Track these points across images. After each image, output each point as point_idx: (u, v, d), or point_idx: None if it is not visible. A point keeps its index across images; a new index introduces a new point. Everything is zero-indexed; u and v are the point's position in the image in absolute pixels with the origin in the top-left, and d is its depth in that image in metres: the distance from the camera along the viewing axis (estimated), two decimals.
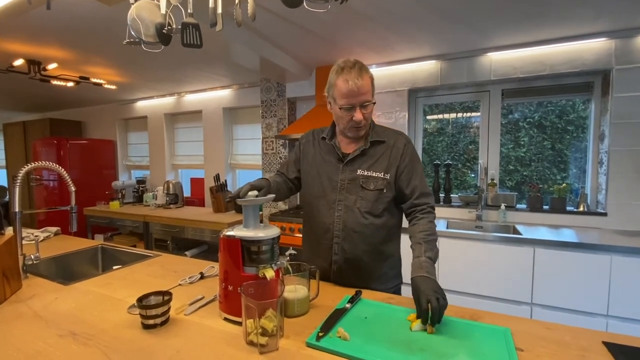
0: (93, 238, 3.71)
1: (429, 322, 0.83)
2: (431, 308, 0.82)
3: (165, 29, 1.11)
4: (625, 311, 1.75)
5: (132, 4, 1.18)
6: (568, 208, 2.36)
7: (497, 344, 0.79)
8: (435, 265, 1.00)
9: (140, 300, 0.90)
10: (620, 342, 0.79)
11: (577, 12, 1.86)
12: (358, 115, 1.05)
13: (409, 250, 1.06)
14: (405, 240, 1.12)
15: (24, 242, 1.43)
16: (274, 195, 1.08)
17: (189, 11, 1.10)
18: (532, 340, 0.80)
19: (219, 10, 1.04)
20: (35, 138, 4.49)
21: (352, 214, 1.13)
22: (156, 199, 3.61)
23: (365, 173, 1.13)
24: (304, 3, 0.87)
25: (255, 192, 0.99)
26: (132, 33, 1.20)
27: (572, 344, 0.79)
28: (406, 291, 1.24)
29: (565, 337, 0.82)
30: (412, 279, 0.94)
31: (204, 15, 1.11)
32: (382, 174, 1.12)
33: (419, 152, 2.92)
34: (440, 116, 2.93)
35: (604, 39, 2.14)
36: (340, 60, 1.06)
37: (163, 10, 1.14)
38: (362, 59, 2.79)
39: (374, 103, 1.09)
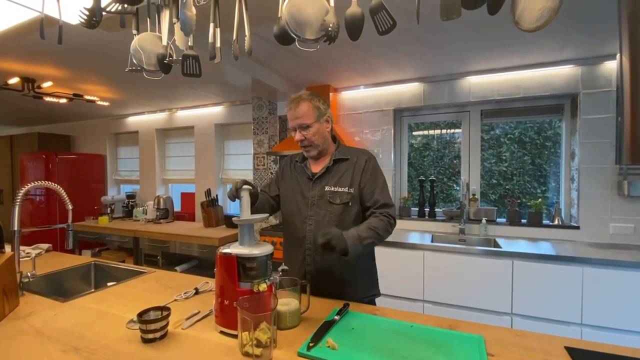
0: (80, 254, 3.67)
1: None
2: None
3: (167, 59, 1.20)
4: (597, 320, 1.86)
5: (135, 35, 1.26)
6: (544, 222, 2.50)
7: (471, 350, 0.87)
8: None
9: (140, 315, 0.95)
10: (581, 347, 0.88)
11: (545, 42, 2.04)
12: (297, 135, 1.26)
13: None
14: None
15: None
16: (267, 215, 1.17)
17: (189, 44, 1.19)
18: (502, 345, 0.89)
19: (218, 44, 1.13)
20: (23, 152, 4.45)
21: (322, 228, 1.24)
22: (146, 214, 3.62)
23: (332, 189, 1.26)
24: (296, 43, 0.97)
25: (249, 187, 1.11)
26: (134, 61, 1.28)
27: (537, 348, 0.88)
28: (380, 302, 1.32)
29: (532, 342, 0.91)
30: None
31: (202, 41, 1.20)
32: (347, 188, 1.25)
33: (405, 166, 3.05)
34: (426, 132, 3.07)
35: (571, 65, 2.34)
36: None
37: (164, 42, 1.22)
38: (350, 81, 2.93)
39: (309, 126, 1.24)
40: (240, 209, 1.09)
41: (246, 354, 0.85)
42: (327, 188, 1.26)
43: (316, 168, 1.33)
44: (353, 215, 1.25)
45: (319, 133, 1.27)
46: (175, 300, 1.24)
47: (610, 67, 2.26)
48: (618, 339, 1.80)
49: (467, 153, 2.80)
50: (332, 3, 0.95)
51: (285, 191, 1.39)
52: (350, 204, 1.24)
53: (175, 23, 1.13)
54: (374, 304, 1.33)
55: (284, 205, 1.39)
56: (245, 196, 1.10)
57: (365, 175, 1.25)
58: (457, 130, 2.92)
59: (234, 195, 1.13)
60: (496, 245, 2.33)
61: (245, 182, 1.12)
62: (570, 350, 0.87)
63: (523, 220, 2.56)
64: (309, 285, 1.12)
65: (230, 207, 3.81)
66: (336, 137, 1.37)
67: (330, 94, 2.92)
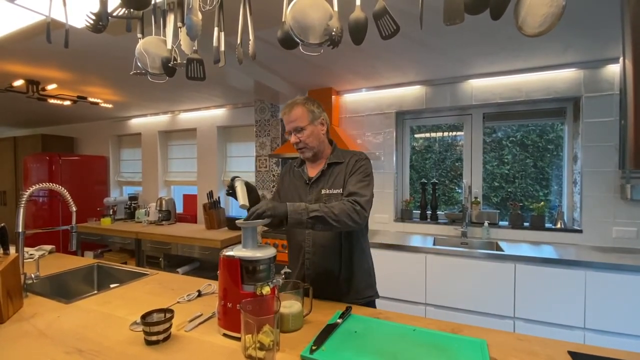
0: (83, 255, 3.68)
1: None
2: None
3: (171, 63, 1.20)
4: (600, 324, 1.85)
5: (140, 39, 1.27)
6: (547, 225, 2.49)
7: (474, 355, 0.87)
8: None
9: (143, 317, 0.95)
10: (585, 352, 0.88)
11: (547, 46, 2.04)
12: (292, 138, 1.29)
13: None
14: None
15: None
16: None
17: (194, 48, 1.20)
18: (505, 350, 0.89)
19: (222, 48, 1.14)
20: (26, 154, 4.48)
21: (318, 233, 1.26)
22: (148, 216, 3.63)
23: (328, 191, 1.28)
24: (300, 47, 0.97)
25: (242, 180, 1.15)
26: (139, 65, 1.29)
27: (541, 353, 0.87)
28: (382, 305, 1.32)
29: (535, 347, 0.90)
30: None
31: (207, 44, 1.21)
32: (341, 189, 1.26)
33: (407, 169, 3.05)
34: (428, 135, 3.08)
35: (573, 69, 2.34)
36: None
37: (169, 46, 1.23)
38: (352, 84, 2.93)
39: (303, 128, 1.26)
40: (237, 198, 1.12)
41: (249, 357, 0.85)
42: (323, 191, 1.28)
43: (312, 172, 1.35)
44: None
45: (314, 135, 1.29)
46: (178, 302, 1.24)
47: (613, 70, 2.25)
48: (621, 344, 1.79)
49: (469, 156, 2.80)
50: (335, 8, 0.96)
51: (285, 196, 1.41)
52: None
53: (180, 27, 1.14)
54: (374, 305, 1.33)
55: None
56: (239, 185, 1.14)
57: (349, 171, 1.27)
58: (459, 133, 2.92)
59: (229, 186, 1.17)
60: (498, 248, 2.32)
61: (236, 177, 1.19)
62: (574, 355, 0.87)
63: (525, 224, 2.55)
64: (311, 288, 1.12)
65: (232, 210, 3.81)
66: (332, 140, 1.40)
67: (332, 96, 2.92)
